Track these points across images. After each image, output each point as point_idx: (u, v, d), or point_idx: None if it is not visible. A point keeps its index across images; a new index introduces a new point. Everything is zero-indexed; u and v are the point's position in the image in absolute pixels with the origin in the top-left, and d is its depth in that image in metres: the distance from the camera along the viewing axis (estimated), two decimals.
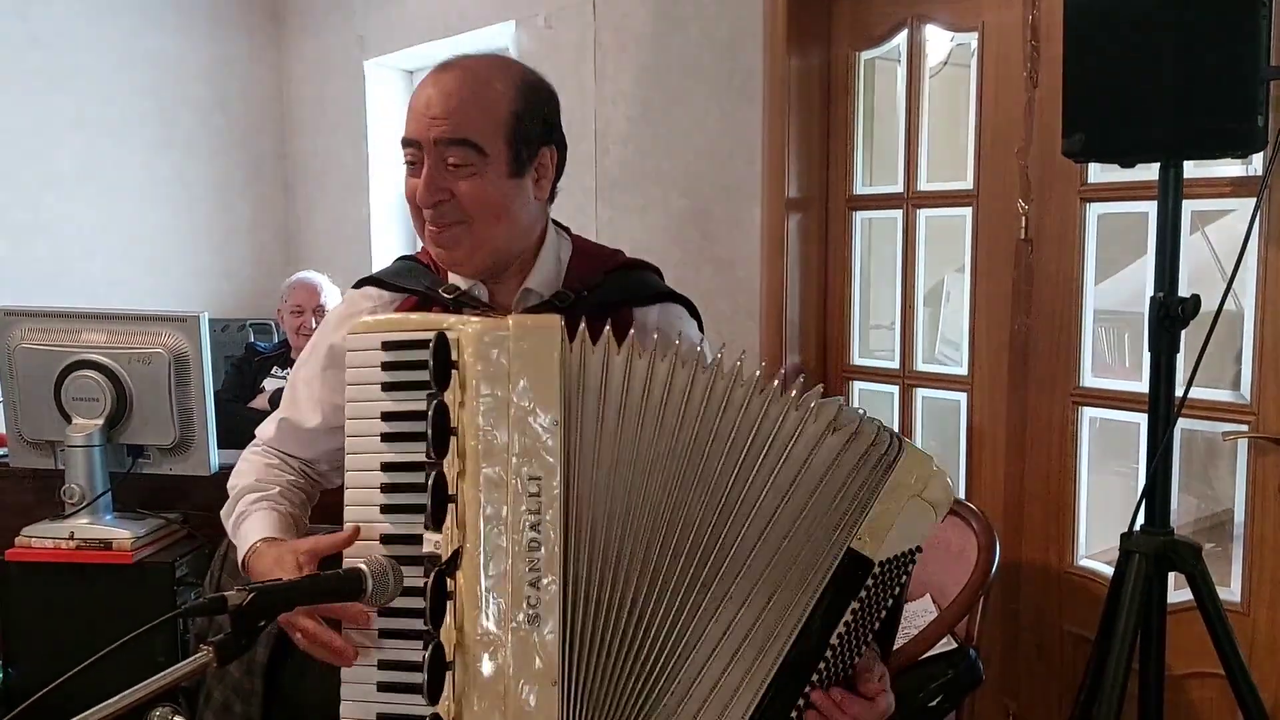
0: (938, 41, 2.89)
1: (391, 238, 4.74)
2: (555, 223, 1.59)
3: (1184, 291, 2.00)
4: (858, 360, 3.11)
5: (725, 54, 3.11)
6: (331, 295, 3.77)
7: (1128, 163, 2.05)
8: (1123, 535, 2.09)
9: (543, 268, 1.53)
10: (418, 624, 1.23)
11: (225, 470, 2.73)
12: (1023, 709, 2.73)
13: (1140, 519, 2.06)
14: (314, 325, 3.71)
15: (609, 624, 1.22)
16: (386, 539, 1.30)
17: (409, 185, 1.46)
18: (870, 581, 1.21)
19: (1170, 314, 2.00)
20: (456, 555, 1.21)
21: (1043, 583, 2.67)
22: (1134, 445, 2.75)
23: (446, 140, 1.40)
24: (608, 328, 1.25)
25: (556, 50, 3.65)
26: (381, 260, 4.71)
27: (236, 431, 2.70)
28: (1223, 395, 2.36)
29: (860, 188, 3.05)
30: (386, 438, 1.31)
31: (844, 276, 3.08)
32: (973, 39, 2.74)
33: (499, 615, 1.20)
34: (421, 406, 1.27)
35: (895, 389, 2.99)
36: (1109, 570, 2.56)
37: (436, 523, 1.22)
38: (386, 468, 1.31)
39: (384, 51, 4.43)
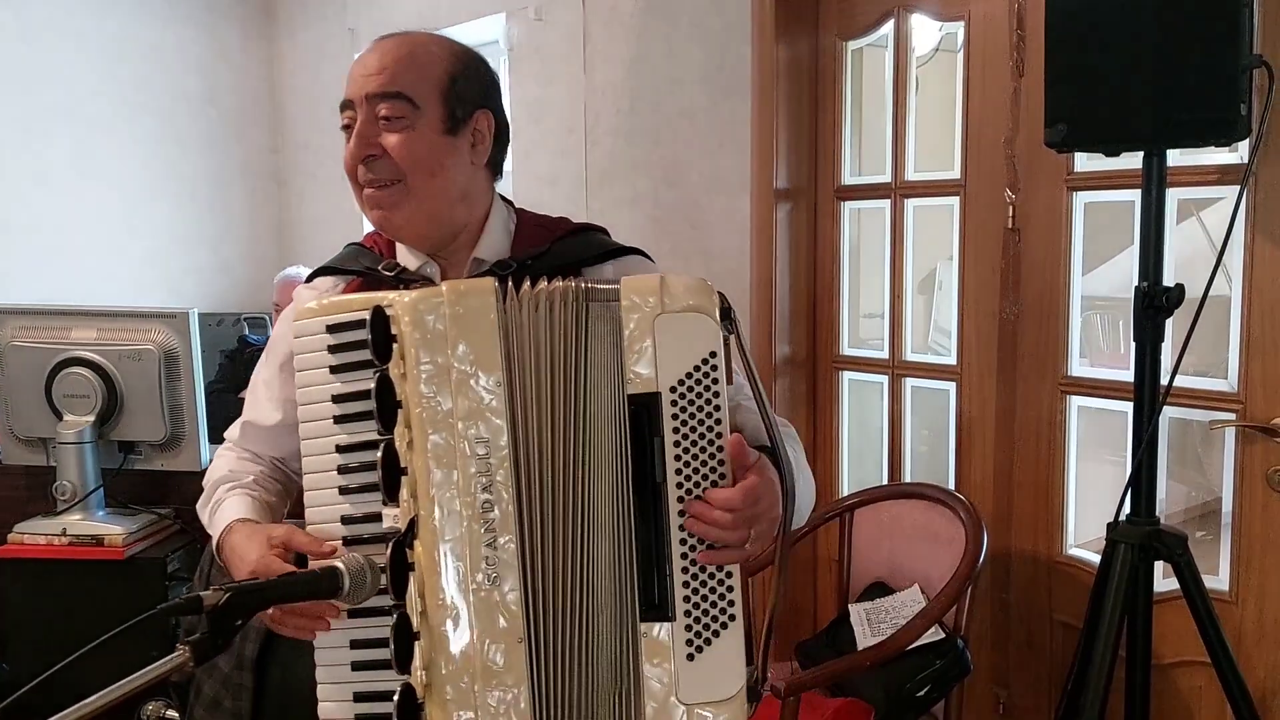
0: (926, 31, 2.88)
1: None
2: (501, 197, 1.58)
3: (1179, 279, 2.00)
4: (847, 350, 3.11)
5: (714, 45, 3.11)
6: None
7: (1111, 152, 2.04)
8: (1109, 525, 2.10)
9: (490, 237, 1.52)
10: (387, 601, 1.24)
11: None
12: (1013, 698, 2.74)
13: (1126, 508, 2.07)
14: None
15: (562, 571, 1.23)
16: (346, 519, 1.30)
17: (346, 153, 1.44)
18: (673, 410, 1.21)
19: (1155, 303, 2.00)
20: (413, 525, 1.22)
21: (1032, 572, 2.67)
22: (1123, 434, 2.75)
23: (379, 94, 1.39)
24: (543, 282, 1.26)
25: (546, 42, 3.65)
26: None
27: (228, 421, 2.71)
28: (1212, 384, 2.36)
29: (848, 178, 3.05)
30: (339, 420, 1.30)
31: (833, 267, 3.08)
32: (959, 28, 2.74)
33: (459, 579, 1.21)
34: (370, 385, 1.27)
35: (885, 379, 2.99)
36: (1097, 559, 2.57)
37: (391, 495, 1.23)
38: (341, 449, 1.30)
39: None
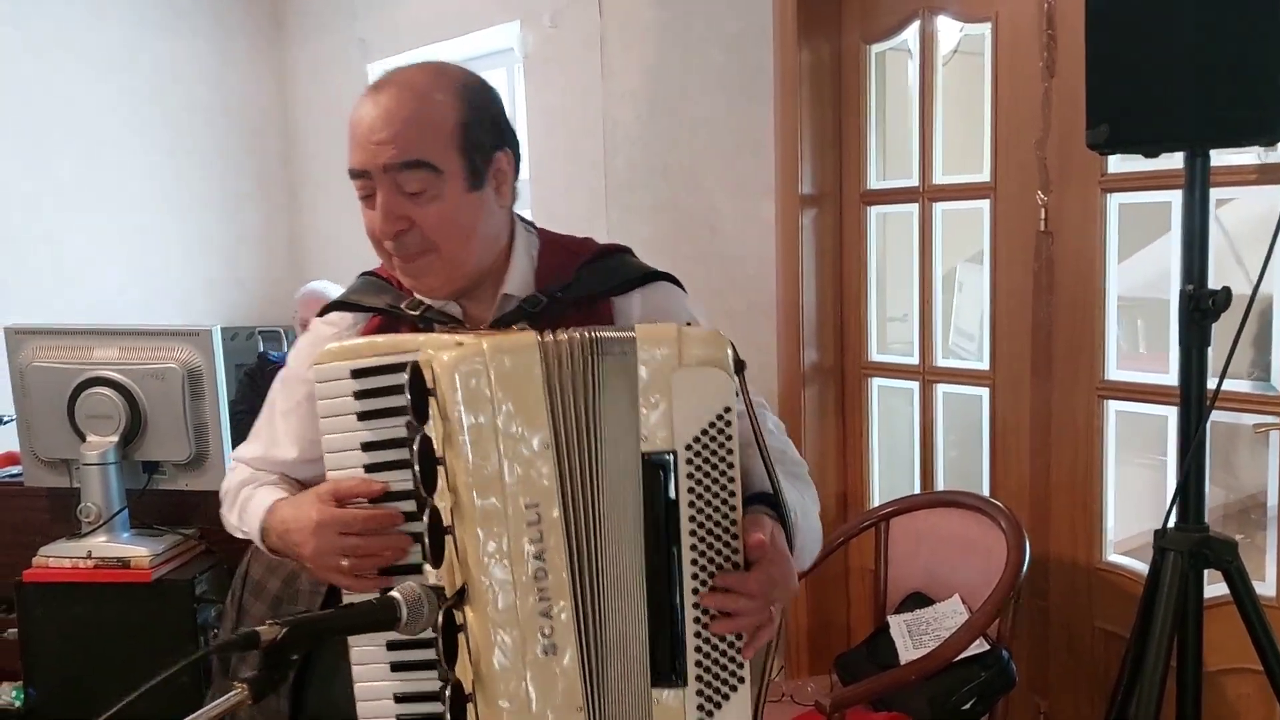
0: (946, 32, 2.85)
1: None
2: (518, 217, 1.51)
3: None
4: (876, 357, 3.07)
5: (733, 49, 3.08)
6: None
7: (1152, 153, 2.01)
8: (1156, 532, 2.06)
9: (515, 270, 1.45)
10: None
11: None
12: (1053, 708, 2.70)
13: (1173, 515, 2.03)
14: None
15: (607, 638, 1.20)
16: (384, 572, 1.27)
17: (367, 219, 1.36)
18: (688, 469, 1.18)
19: (1200, 307, 1.96)
20: (462, 593, 1.17)
21: (1070, 579, 2.64)
22: (1158, 436, 2.72)
23: (398, 165, 1.30)
24: (576, 334, 1.21)
25: (562, 49, 3.62)
26: None
27: None
28: (1248, 386, 2.33)
29: (874, 182, 3.02)
30: (370, 469, 1.27)
31: (859, 273, 3.04)
32: (985, 29, 2.70)
33: (515, 649, 1.17)
34: (400, 433, 1.23)
35: (915, 385, 2.96)
36: (1138, 565, 2.54)
37: (436, 560, 1.18)
38: (372, 501, 1.27)
39: (386, 54, 4.39)
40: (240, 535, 1.50)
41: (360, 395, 1.26)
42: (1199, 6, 1.83)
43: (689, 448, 1.18)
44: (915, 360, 2.95)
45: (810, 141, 2.98)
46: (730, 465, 1.18)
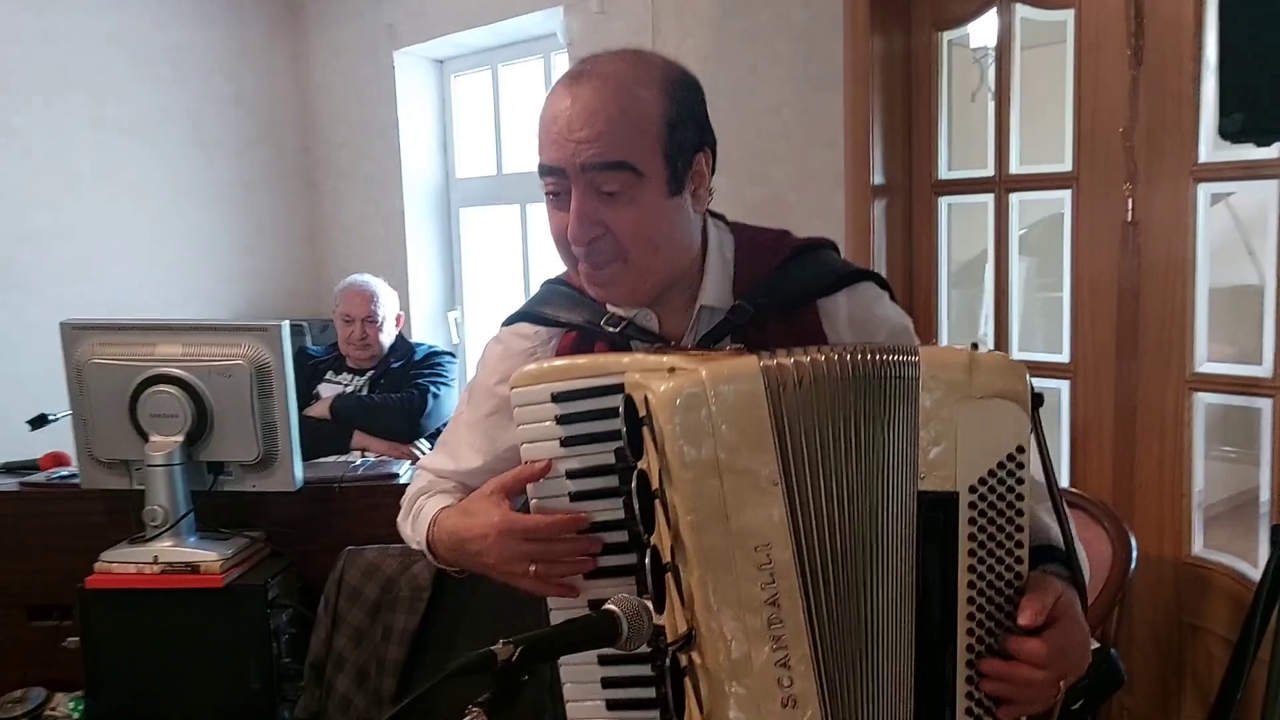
0: (1025, 18, 2.80)
1: (426, 232, 4.63)
2: (710, 213, 1.42)
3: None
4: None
5: (801, 38, 3.02)
6: (387, 302, 3.63)
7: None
8: (1274, 528, 2.04)
9: (712, 279, 1.36)
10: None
11: (309, 485, 2.65)
12: (1138, 704, 2.67)
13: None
14: (363, 338, 3.59)
15: (853, 696, 1.08)
16: (594, 604, 1.22)
17: (555, 220, 1.29)
18: (971, 514, 1.06)
19: None
20: (690, 638, 1.08)
21: (1158, 573, 2.61)
22: (1238, 426, 2.70)
23: (598, 165, 1.22)
24: (837, 353, 1.09)
25: (611, 38, 3.54)
26: (418, 257, 4.60)
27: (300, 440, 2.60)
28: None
29: (944, 172, 2.97)
30: (575, 497, 1.22)
31: (930, 265, 2.99)
32: (1069, 15, 2.66)
33: (752, 703, 1.07)
34: (606, 460, 1.18)
35: None
36: (1227, 560, 2.52)
37: (659, 601, 1.10)
38: (583, 531, 1.23)
39: (416, 40, 4.30)
40: (415, 546, 1.44)
41: (563, 420, 1.20)
42: None
43: (973, 489, 1.06)
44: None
45: (881, 131, 2.93)
46: (1019, 513, 1.07)
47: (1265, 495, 2.43)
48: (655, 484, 1.07)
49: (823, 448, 1.07)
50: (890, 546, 1.07)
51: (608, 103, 1.23)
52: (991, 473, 1.06)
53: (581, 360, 1.24)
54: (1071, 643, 1.08)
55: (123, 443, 2.57)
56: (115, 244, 4.45)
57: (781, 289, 1.35)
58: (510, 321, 1.47)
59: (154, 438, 2.53)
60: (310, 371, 3.59)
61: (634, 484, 1.10)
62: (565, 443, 1.21)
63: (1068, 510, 1.18)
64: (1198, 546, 2.57)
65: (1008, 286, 2.85)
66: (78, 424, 2.61)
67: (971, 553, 1.07)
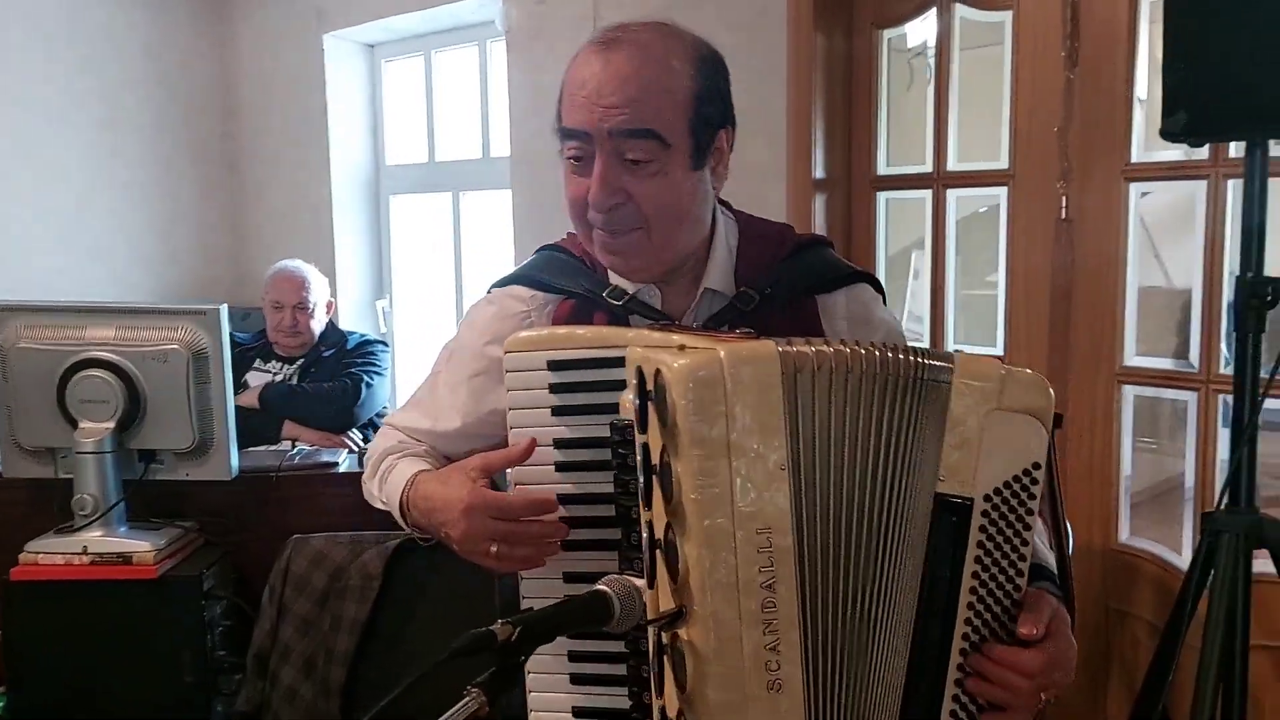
0: (964, 19, 2.87)
1: (355, 219, 4.55)
2: (719, 201, 1.44)
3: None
4: None
5: (744, 32, 3.04)
6: (318, 289, 3.56)
7: (1224, 140, 2.05)
8: (1204, 515, 2.12)
9: (717, 262, 1.38)
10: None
11: (245, 474, 2.58)
12: (1066, 688, 2.75)
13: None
14: (293, 325, 3.51)
15: (845, 685, 1.09)
16: (570, 577, 1.22)
17: (573, 185, 1.30)
18: (982, 521, 1.08)
19: (1258, 294, 2.02)
20: (679, 615, 1.06)
21: (1087, 562, 2.69)
22: (1159, 418, 2.80)
23: (625, 131, 1.23)
24: (836, 344, 1.09)
25: (551, 29, 3.52)
26: (345, 245, 4.52)
27: None
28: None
29: (883, 168, 3.02)
30: (562, 467, 1.21)
31: (868, 258, 3.04)
32: (1006, 17, 2.72)
33: (736, 684, 1.06)
34: (599, 433, 1.16)
35: None
36: (1154, 547, 2.61)
37: (652, 577, 1.09)
38: (565, 500, 1.21)
39: (346, 24, 4.22)
40: (380, 506, 1.41)
41: (556, 389, 1.19)
42: None
43: (988, 499, 1.08)
44: (926, 346, 2.96)
45: (822, 126, 2.97)
46: (1027, 528, 1.08)
47: (1190, 483, 2.52)
48: (655, 460, 1.06)
49: (836, 439, 1.06)
50: (897, 544, 1.08)
51: (640, 70, 1.24)
52: (1007, 484, 1.08)
53: (582, 331, 1.23)
54: (1062, 659, 1.11)
55: (50, 429, 2.48)
56: (26, 227, 4.27)
57: (787, 281, 1.37)
58: (503, 284, 1.45)
59: (83, 424, 2.44)
60: (237, 359, 3.50)
61: (640, 457, 1.09)
62: (556, 412, 1.19)
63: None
64: (1125, 535, 2.66)
65: (944, 282, 2.92)
66: (1, 410, 2.50)
67: (978, 559, 1.08)
